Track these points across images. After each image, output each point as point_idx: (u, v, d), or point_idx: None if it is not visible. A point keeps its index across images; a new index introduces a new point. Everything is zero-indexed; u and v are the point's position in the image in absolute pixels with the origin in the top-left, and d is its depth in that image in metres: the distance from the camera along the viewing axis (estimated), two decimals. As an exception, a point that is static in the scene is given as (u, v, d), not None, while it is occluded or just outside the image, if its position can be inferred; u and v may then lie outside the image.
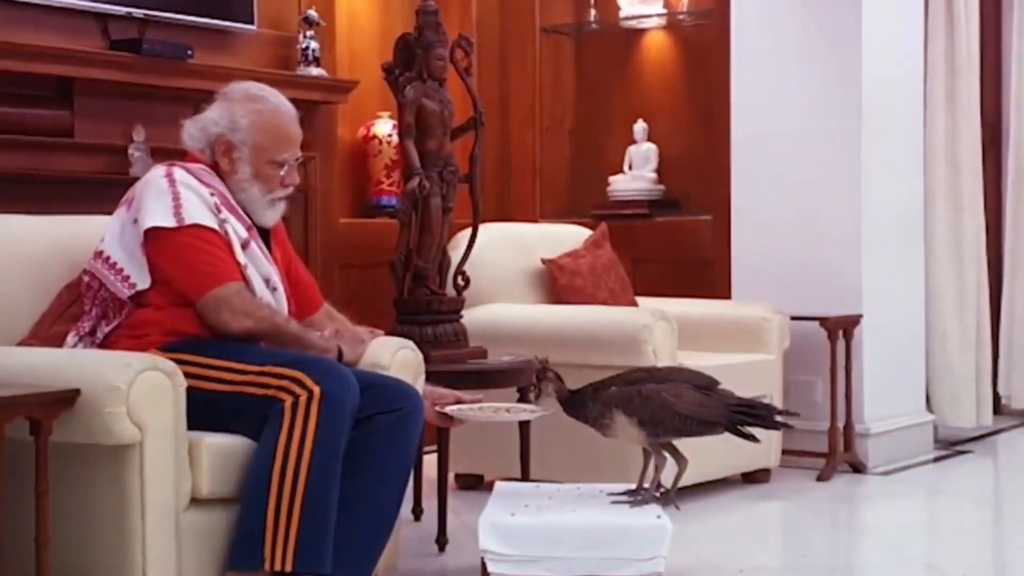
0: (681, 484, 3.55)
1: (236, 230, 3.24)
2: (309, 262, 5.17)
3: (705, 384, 3.51)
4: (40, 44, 4.47)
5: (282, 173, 3.33)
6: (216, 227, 3.20)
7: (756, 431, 3.53)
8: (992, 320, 6.19)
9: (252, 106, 3.32)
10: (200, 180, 3.24)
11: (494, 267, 4.94)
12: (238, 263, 3.22)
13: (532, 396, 3.50)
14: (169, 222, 3.15)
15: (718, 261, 5.82)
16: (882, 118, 5.44)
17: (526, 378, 4.11)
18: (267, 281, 3.28)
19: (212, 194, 3.23)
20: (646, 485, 3.48)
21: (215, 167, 3.31)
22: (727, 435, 3.54)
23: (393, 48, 4.18)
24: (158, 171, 3.26)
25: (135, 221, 3.20)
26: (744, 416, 3.48)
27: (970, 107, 5.99)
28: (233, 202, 3.29)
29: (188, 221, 3.16)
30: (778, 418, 3.54)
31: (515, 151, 6.56)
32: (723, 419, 3.46)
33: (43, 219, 3.52)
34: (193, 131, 3.34)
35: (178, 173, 3.23)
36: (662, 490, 3.47)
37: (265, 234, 3.37)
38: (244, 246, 3.24)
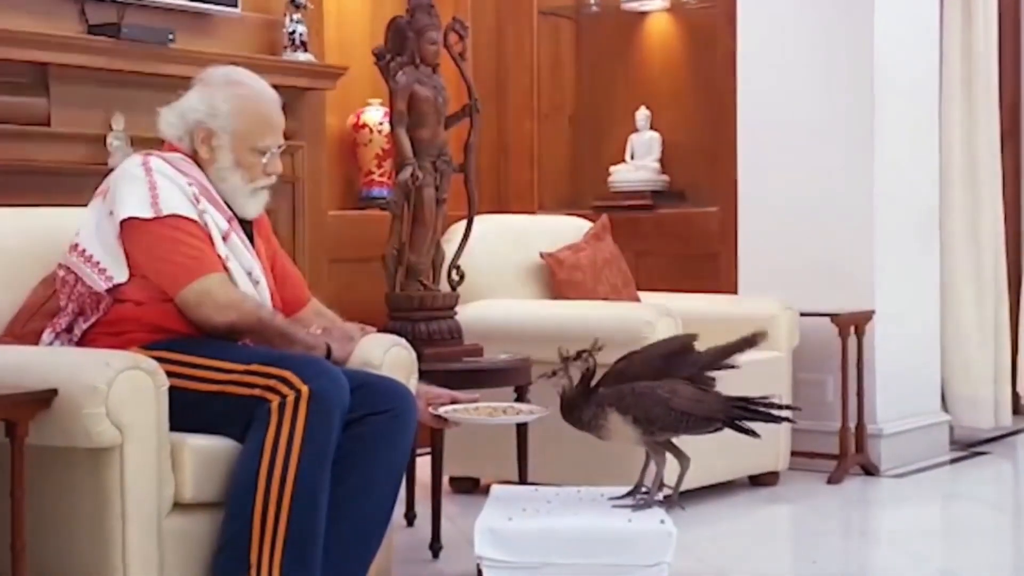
0: (686, 487, 3.55)
1: (216, 221, 3.24)
2: (296, 256, 5.17)
3: (680, 347, 3.51)
4: (14, 28, 4.47)
5: (264, 161, 3.33)
6: (196, 217, 3.20)
7: (757, 427, 3.53)
8: (1011, 315, 6.20)
9: (232, 91, 3.32)
10: (178, 169, 3.25)
11: (490, 261, 4.95)
12: (219, 255, 3.22)
13: (553, 376, 3.41)
14: (146, 212, 3.16)
15: (724, 254, 5.82)
16: (896, 104, 5.45)
17: (523, 377, 4.13)
18: (249, 274, 3.28)
19: (190, 184, 3.23)
20: (647, 484, 3.49)
21: (194, 156, 3.32)
22: (732, 435, 3.54)
23: (384, 32, 4.18)
24: (134, 160, 3.26)
25: (111, 212, 3.20)
26: (743, 411, 3.48)
27: (988, 92, 6.00)
28: (213, 192, 3.29)
29: (166, 211, 3.16)
30: (779, 412, 3.53)
31: (512, 140, 6.56)
32: (721, 415, 3.46)
33: (18, 211, 3.53)
34: (170, 118, 3.34)
35: (154, 162, 3.23)
36: (666, 492, 3.47)
37: (248, 226, 3.37)
38: (225, 238, 3.25)
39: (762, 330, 3.55)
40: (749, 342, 3.52)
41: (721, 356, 3.51)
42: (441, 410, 3.45)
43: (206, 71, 3.39)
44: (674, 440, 3.49)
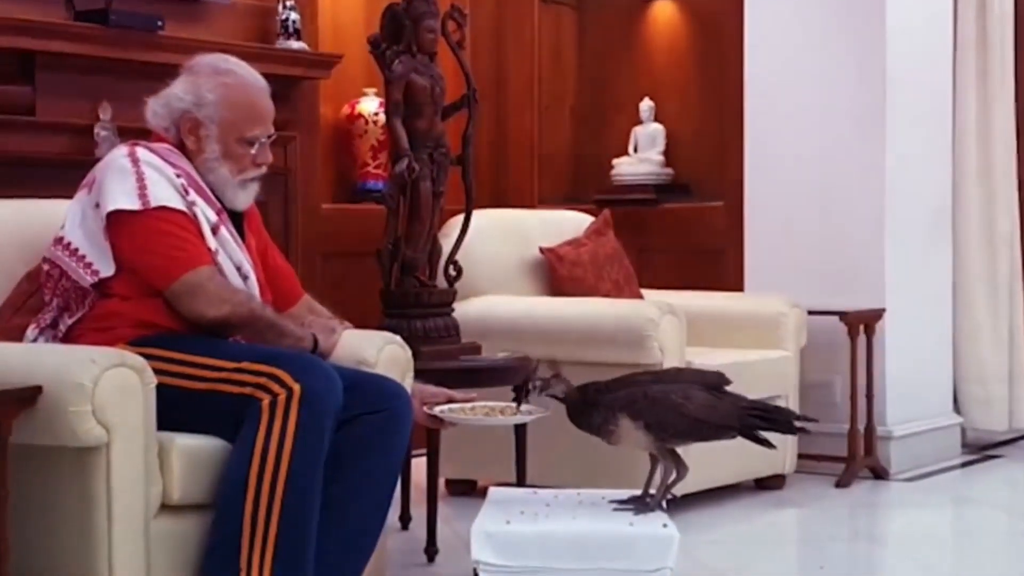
0: (689, 490, 3.57)
1: (205, 214, 3.24)
2: (289, 251, 5.18)
3: (713, 383, 3.51)
4: (-1, 15, 4.48)
5: (253, 152, 3.33)
6: (185, 209, 3.21)
7: (771, 436, 3.53)
8: (1026, 315, 6.21)
9: (219, 80, 3.32)
10: (165, 160, 3.25)
11: (488, 257, 4.96)
12: (209, 249, 3.22)
13: (535, 390, 3.43)
14: (134, 204, 3.16)
15: (730, 251, 5.83)
16: (908, 96, 5.45)
17: (522, 376, 4.13)
18: (239, 268, 3.29)
19: (179, 175, 3.24)
20: (653, 490, 3.49)
21: (181, 147, 3.32)
22: (739, 439, 3.55)
23: (380, 19, 4.19)
24: (120, 151, 3.27)
25: (96, 205, 3.20)
26: (759, 420, 3.48)
27: (1003, 85, 6.00)
28: (202, 184, 3.29)
29: (154, 203, 3.17)
30: (795, 423, 3.54)
31: (512, 131, 6.57)
32: (736, 423, 3.46)
33: (2, 203, 3.53)
34: (157, 108, 3.35)
35: (141, 152, 3.24)
36: (651, 494, 3.46)
37: (238, 219, 3.38)
38: (214, 231, 3.25)
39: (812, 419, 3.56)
40: (788, 420, 3.51)
41: (760, 410, 3.50)
42: (437, 410, 3.46)
43: (194, 59, 3.40)
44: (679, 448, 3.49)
